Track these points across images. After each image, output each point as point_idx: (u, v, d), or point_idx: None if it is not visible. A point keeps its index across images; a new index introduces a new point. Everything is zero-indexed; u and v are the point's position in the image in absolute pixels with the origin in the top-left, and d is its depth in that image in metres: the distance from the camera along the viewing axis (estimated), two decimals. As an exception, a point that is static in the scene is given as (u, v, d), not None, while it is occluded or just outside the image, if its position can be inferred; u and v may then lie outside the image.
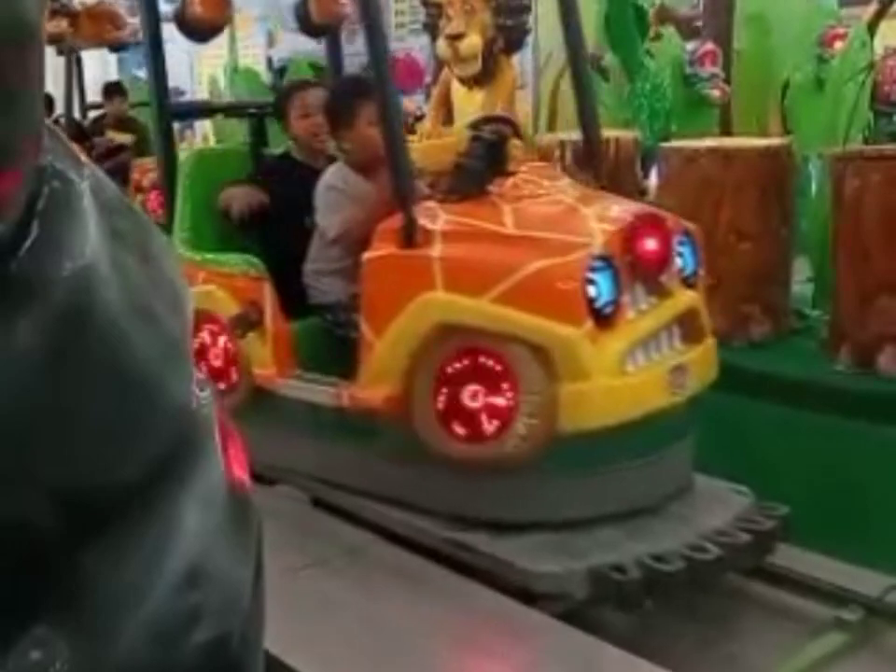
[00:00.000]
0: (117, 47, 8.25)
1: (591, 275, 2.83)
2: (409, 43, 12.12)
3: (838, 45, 6.28)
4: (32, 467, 0.60)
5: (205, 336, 3.49)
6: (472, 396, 2.89)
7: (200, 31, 3.64)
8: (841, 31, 6.60)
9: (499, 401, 2.86)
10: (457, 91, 5.85)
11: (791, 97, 6.72)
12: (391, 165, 3.00)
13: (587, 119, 3.47)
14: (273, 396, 3.35)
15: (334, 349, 3.32)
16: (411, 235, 2.97)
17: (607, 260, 2.87)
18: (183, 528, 0.68)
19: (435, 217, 3.02)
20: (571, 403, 2.82)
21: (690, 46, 7.24)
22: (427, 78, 9.56)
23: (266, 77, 10.55)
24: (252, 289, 3.39)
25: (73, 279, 0.61)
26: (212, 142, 9.15)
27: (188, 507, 0.69)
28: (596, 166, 3.40)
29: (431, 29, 6.05)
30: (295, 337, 3.39)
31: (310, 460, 3.35)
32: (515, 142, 3.26)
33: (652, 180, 5.28)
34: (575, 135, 5.53)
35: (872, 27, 5.82)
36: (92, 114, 8.25)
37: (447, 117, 5.92)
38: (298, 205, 3.44)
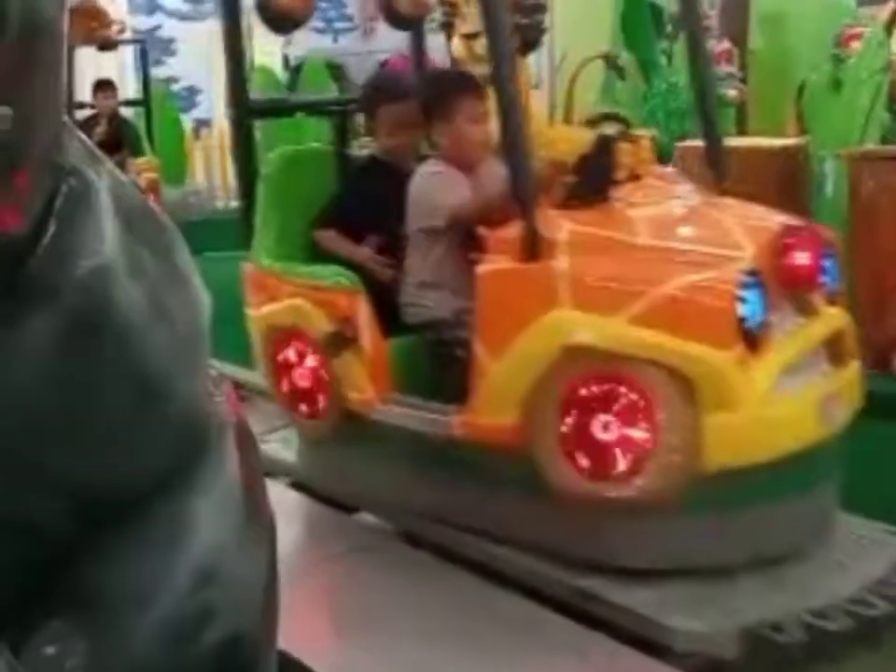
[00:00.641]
0: (105, 45, 7.96)
1: (741, 292, 2.52)
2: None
3: (855, 45, 6.19)
4: (48, 465, 0.59)
5: (291, 355, 3.17)
6: (603, 427, 2.57)
7: (284, 22, 3.34)
8: (858, 30, 6.49)
9: (634, 433, 2.55)
10: None
11: (808, 97, 6.60)
12: (511, 167, 2.68)
13: (708, 123, 3.14)
14: (367, 421, 3.02)
15: (434, 370, 3.01)
16: (533, 246, 2.64)
17: (756, 275, 2.56)
18: (197, 527, 0.68)
19: (557, 225, 2.69)
20: (717, 437, 2.51)
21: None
22: None
23: (282, 75, 10.26)
24: (346, 304, 3.02)
25: (89, 277, 0.61)
26: (227, 140, 8.83)
27: (201, 506, 0.69)
28: (720, 171, 3.08)
29: (447, 28, 6.02)
30: (391, 357, 3.04)
31: (406, 492, 3.02)
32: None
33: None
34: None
35: (889, 27, 5.80)
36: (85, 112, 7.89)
37: None
38: (387, 212, 3.13)
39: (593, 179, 2.76)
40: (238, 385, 5.13)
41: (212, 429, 0.72)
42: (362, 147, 3.84)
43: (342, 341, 2.98)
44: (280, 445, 3.50)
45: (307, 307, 3.09)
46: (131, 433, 0.65)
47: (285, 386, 3.21)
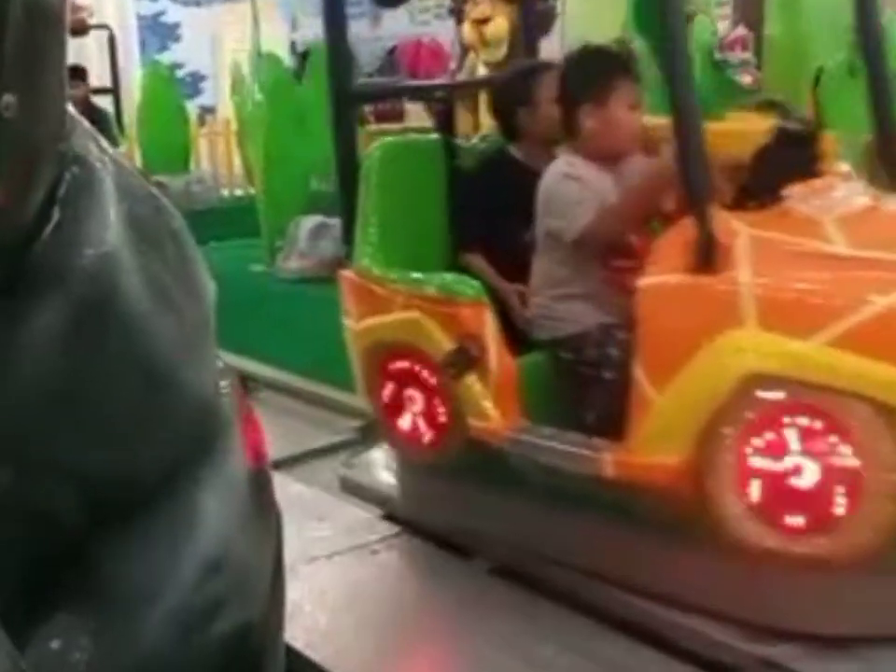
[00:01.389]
0: (74, 31, 7.70)
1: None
2: (434, 28, 11.66)
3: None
4: (54, 454, 0.60)
5: (402, 374, 2.78)
6: (794, 471, 2.18)
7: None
8: (876, 17, 6.28)
9: (834, 479, 2.16)
10: (483, 75, 5.62)
11: (824, 84, 6.39)
12: (684, 161, 2.28)
13: (882, 114, 2.72)
14: (492, 452, 2.64)
15: (571, 394, 2.63)
16: (708, 255, 2.24)
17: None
18: (204, 518, 0.68)
19: (734, 229, 2.30)
20: (933, 483, 2.13)
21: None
22: (452, 64, 9.16)
23: (289, 61, 9.95)
24: (471, 318, 2.63)
25: (93, 266, 0.61)
26: (233, 127, 8.46)
27: (209, 496, 0.68)
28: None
29: (457, 13, 5.95)
30: (520, 379, 2.65)
31: (535, 533, 2.64)
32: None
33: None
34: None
35: (907, 14, 5.68)
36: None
37: (473, 103, 5.66)
38: (515, 215, 2.77)
39: (770, 177, 2.36)
40: (244, 378, 4.89)
41: (219, 421, 0.71)
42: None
43: (465, 360, 2.58)
44: (367, 470, 3.18)
45: (424, 321, 2.68)
46: (138, 424, 0.64)
47: (391, 409, 2.84)
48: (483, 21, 5.49)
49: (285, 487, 2.94)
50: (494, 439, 2.61)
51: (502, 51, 5.41)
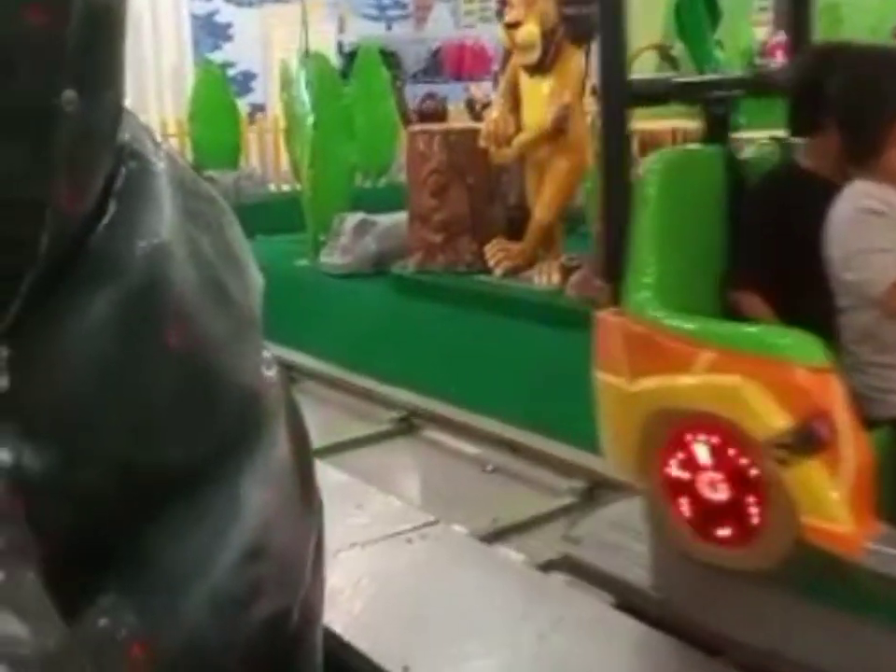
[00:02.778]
0: None
1: None
2: (478, 31, 11.79)
3: (914, 37, 6.06)
4: (101, 441, 0.61)
5: (703, 453, 2.19)
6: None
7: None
8: (917, 23, 6.36)
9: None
10: (524, 79, 5.66)
11: None
12: None
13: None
14: (826, 562, 2.08)
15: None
16: None
17: None
18: (247, 505, 0.69)
19: None
20: None
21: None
22: (495, 66, 9.25)
23: (336, 61, 10.11)
24: (818, 390, 2.06)
25: (147, 258, 0.63)
26: (281, 125, 8.61)
27: (252, 484, 0.70)
28: None
29: (501, 17, 5.96)
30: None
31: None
32: None
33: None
34: (645, 125, 5.19)
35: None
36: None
37: (515, 105, 5.72)
38: (812, 244, 2.22)
39: None
40: (288, 368, 4.98)
41: (264, 410, 0.73)
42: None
43: (810, 443, 2.03)
44: (599, 551, 2.61)
45: (746, 389, 2.09)
46: (184, 413, 0.66)
47: (675, 490, 2.27)
48: (514, 26, 5.56)
49: (325, 475, 2.96)
50: (842, 546, 2.05)
51: (534, 56, 5.44)
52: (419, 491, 4.24)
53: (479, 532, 3.30)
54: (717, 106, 2.57)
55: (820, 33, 7.58)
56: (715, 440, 2.17)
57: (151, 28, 10.53)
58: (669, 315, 2.28)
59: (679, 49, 7.36)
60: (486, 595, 2.45)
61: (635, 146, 4.73)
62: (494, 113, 5.85)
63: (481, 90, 10.23)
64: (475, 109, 9.26)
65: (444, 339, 5.24)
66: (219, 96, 8.86)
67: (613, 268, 2.40)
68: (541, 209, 5.59)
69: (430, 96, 10.64)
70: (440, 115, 9.55)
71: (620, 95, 2.44)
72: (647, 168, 2.48)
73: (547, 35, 5.44)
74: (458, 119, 8.97)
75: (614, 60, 2.44)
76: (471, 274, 5.81)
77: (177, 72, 10.71)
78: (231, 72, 10.47)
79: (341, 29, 11.20)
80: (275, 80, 9.09)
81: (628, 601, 2.50)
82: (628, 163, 2.49)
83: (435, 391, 4.64)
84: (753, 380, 2.09)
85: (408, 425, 4.62)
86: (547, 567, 3.02)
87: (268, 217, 7.38)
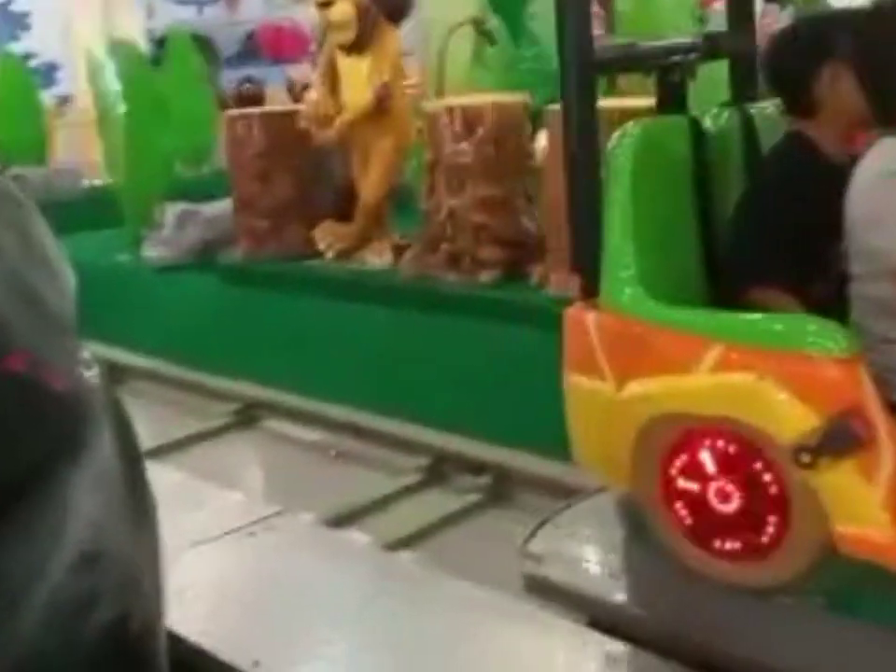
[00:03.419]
0: None
1: None
2: (293, 11, 11.61)
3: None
4: None
5: (709, 460, 1.98)
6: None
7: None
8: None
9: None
10: (341, 59, 5.58)
11: None
12: None
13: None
14: (868, 575, 1.88)
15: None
16: None
17: None
18: (76, 512, 0.68)
19: None
20: None
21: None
22: (313, 47, 9.16)
23: (148, 48, 9.81)
24: (846, 384, 1.83)
25: None
26: (93, 116, 8.30)
27: (81, 488, 0.69)
28: None
29: None
30: None
31: None
32: None
33: (541, 143, 5.04)
34: (465, 100, 5.16)
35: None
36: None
37: (334, 85, 5.64)
38: (825, 224, 2.06)
39: None
40: (112, 367, 4.75)
41: (88, 410, 0.71)
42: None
43: (844, 445, 1.81)
44: (563, 567, 2.30)
45: (764, 387, 1.85)
46: (4, 416, 0.64)
47: (674, 501, 2.06)
48: (327, 5, 5.50)
49: (161, 475, 2.91)
50: (882, 556, 1.82)
51: (350, 34, 5.36)
52: (263, 483, 4.15)
53: (326, 519, 3.26)
54: (674, 73, 2.35)
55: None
56: (725, 445, 1.96)
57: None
58: (664, 308, 2.04)
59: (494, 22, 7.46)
60: (335, 580, 2.44)
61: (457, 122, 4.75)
62: (313, 94, 5.74)
63: (300, 72, 10.10)
64: (295, 91, 9.14)
65: (278, 327, 5.14)
66: (21, 89, 8.47)
67: (584, 256, 2.16)
68: (368, 189, 5.53)
69: (248, 80, 10.45)
70: (257, 98, 9.37)
71: (587, 63, 2.23)
72: (617, 140, 2.22)
73: (361, 14, 5.36)
74: (277, 103, 8.82)
75: (578, 26, 2.22)
76: (301, 259, 5.70)
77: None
78: (32, 63, 10.05)
79: (150, 15, 10.87)
80: (82, 71, 8.76)
81: (604, 619, 2.20)
82: (596, 136, 2.24)
83: (273, 380, 4.53)
84: (770, 377, 1.86)
85: (247, 417, 4.50)
86: (394, 546, 3.03)
87: (84, 212, 7.11)
